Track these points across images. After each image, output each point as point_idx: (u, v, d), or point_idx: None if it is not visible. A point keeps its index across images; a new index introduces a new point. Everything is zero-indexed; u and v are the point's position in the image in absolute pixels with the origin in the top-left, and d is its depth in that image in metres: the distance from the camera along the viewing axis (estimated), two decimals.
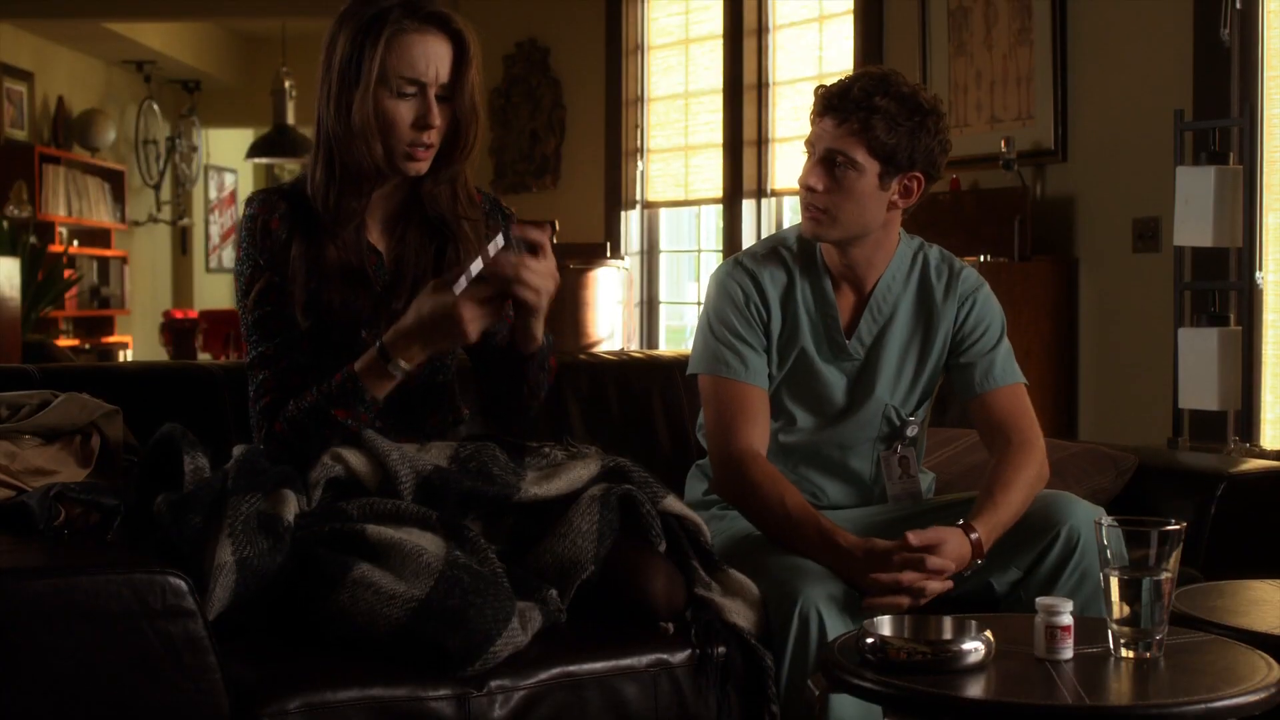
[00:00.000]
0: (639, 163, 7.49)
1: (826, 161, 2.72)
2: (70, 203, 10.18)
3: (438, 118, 2.48)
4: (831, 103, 2.71)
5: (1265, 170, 4.54)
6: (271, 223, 2.52)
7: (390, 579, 2.25)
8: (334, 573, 2.25)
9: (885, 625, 2.16)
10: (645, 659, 2.47)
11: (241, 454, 2.44)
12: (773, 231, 6.53)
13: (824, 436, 2.87)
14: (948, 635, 2.13)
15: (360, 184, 2.51)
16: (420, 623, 2.20)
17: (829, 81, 2.79)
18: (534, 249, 2.40)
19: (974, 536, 2.57)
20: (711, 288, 2.89)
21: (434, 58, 2.47)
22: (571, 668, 2.36)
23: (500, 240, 2.38)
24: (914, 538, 2.50)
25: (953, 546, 2.53)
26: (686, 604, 2.49)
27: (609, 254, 6.55)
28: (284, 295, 2.50)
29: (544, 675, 2.33)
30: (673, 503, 2.59)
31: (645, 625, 2.47)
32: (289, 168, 13.84)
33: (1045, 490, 2.74)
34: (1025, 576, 2.66)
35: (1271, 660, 2.09)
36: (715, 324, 2.83)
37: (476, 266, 2.37)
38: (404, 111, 2.46)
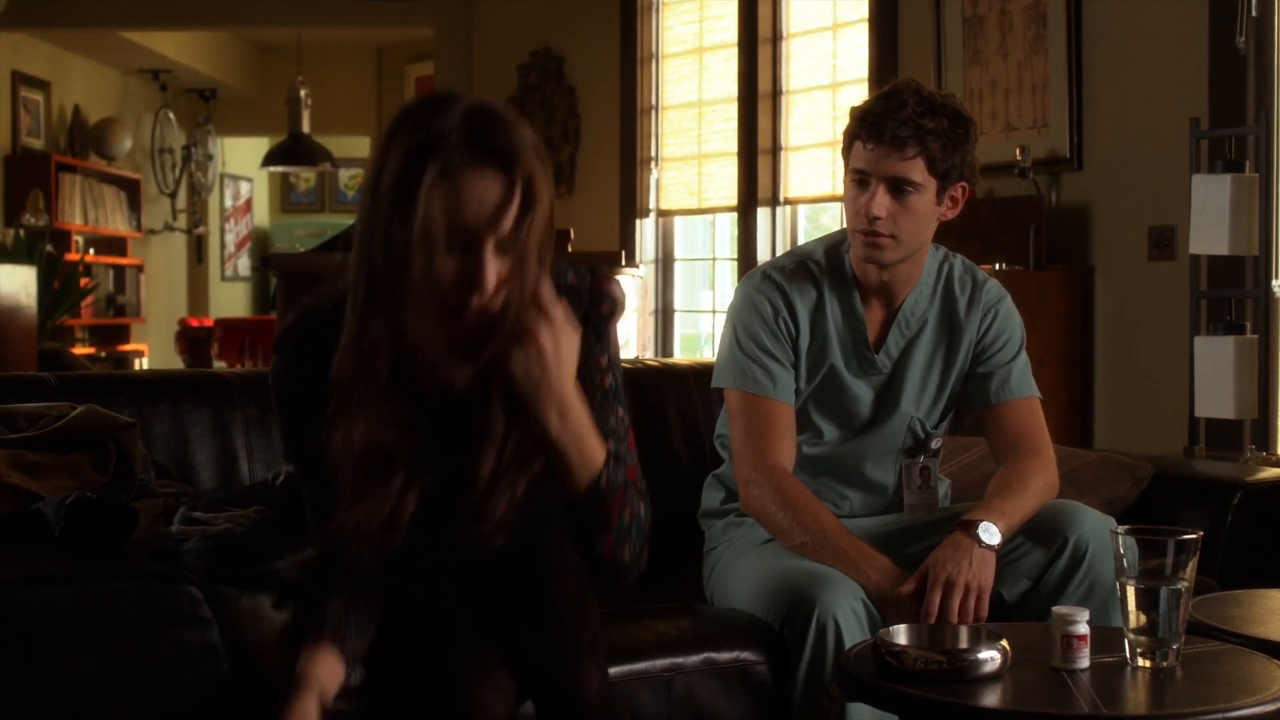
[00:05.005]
0: (653, 171, 7.49)
1: (890, 187, 2.70)
2: (86, 211, 10.22)
3: (492, 276, 1.97)
4: (884, 126, 2.67)
5: None
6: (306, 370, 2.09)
7: None
8: None
9: (902, 634, 2.16)
10: (659, 663, 2.48)
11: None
12: (786, 239, 6.57)
13: (848, 448, 2.87)
14: (964, 644, 2.13)
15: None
16: None
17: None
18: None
19: (980, 528, 2.56)
20: (738, 300, 2.86)
21: (491, 201, 1.96)
22: None
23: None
24: (930, 619, 2.49)
25: (963, 572, 2.53)
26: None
27: (624, 262, 6.54)
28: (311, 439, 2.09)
29: None
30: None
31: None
32: (304, 175, 13.88)
33: (1053, 499, 2.73)
34: (1033, 587, 2.65)
35: None
36: (743, 338, 2.81)
37: None
38: (449, 267, 1.96)
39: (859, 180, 2.73)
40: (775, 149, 6.72)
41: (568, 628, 2.18)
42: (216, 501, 2.49)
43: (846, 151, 2.77)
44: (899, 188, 2.69)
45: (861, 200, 2.72)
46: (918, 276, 2.84)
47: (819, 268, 2.85)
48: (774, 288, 2.83)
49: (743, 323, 2.82)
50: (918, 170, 2.69)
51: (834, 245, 2.86)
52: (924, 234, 2.76)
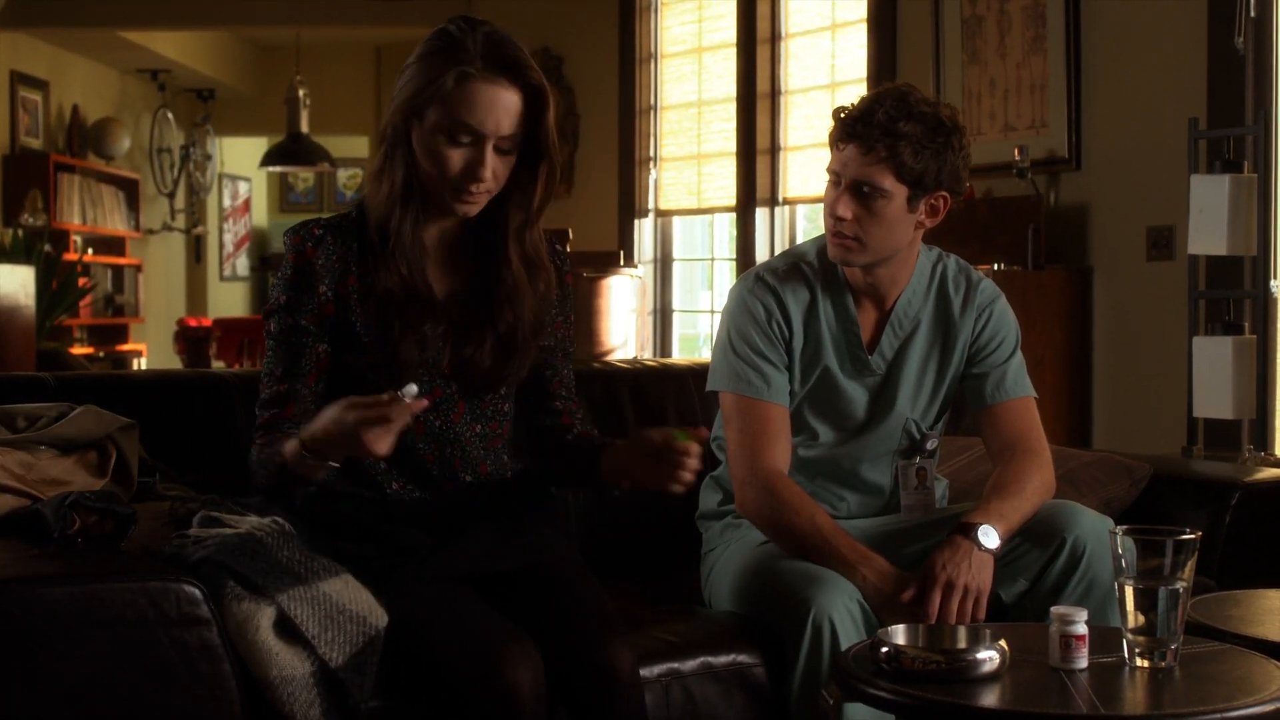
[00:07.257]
0: (652, 171, 7.50)
1: (854, 190, 2.70)
2: (85, 211, 10.21)
3: (489, 171, 2.40)
4: (855, 130, 2.68)
5: (1279, 178, 4.54)
6: (306, 251, 2.43)
7: None
8: None
9: (899, 634, 2.16)
10: (657, 669, 2.48)
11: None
12: (785, 240, 6.57)
13: (844, 450, 2.87)
14: (962, 644, 2.13)
15: (426, 207, 2.46)
16: None
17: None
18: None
19: (979, 531, 2.56)
20: (731, 303, 2.86)
21: (498, 110, 2.38)
22: None
23: (413, 388, 2.18)
24: (930, 620, 2.50)
25: (962, 574, 2.53)
26: None
27: (622, 262, 6.55)
28: (302, 326, 2.42)
29: None
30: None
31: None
32: (303, 175, 13.87)
33: (1050, 500, 2.73)
34: (1031, 587, 2.65)
35: None
36: (737, 341, 2.81)
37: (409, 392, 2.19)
38: (455, 158, 2.39)
39: (833, 181, 2.74)
40: (774, 149, 6.72)
41: (596, 612, 2.35)
42: (234, 508, 2.48)
43: (830, 151, 2.78)
44: (865, 192, 2.68)
45: (830, 201, 2.73)
46: (905, 278, 2.84)
47: (811, 269, 2.85)
48: (767, 290, 2.82)
49: (736, 325, 2.82)
50: (885, 176, 2.67)
51: (825, 246, 2.85)
52: (893, 241, 2.74)
